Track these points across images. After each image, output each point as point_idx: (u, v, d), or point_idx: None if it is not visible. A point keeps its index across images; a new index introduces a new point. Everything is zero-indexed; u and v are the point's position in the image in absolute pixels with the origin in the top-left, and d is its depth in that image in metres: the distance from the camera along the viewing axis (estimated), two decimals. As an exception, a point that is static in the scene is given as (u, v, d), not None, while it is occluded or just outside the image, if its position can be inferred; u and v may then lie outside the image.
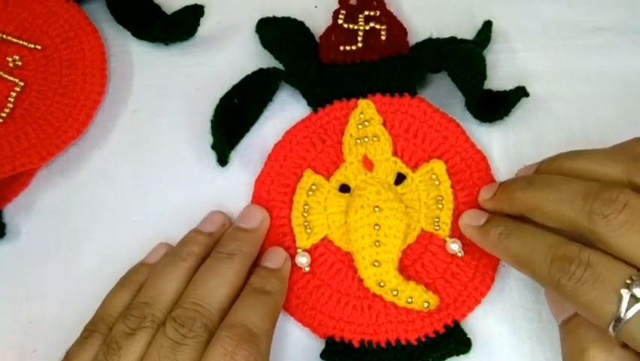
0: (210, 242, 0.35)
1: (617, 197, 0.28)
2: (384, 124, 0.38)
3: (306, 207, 0.37)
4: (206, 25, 0.42)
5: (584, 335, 0.29)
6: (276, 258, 0.35)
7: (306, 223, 0.36)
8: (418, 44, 0.40)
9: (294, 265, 0.36)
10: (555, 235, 0.30)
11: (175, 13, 0.41)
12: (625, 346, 0.28)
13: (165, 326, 0.31)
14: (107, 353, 0.30)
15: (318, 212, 0.37)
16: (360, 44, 0.40)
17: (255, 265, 0.35)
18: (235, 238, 0.35)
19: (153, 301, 0.32)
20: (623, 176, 0.30)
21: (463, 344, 0.34)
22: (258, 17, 0.42)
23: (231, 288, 0.33)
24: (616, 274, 0.27)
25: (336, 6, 0.41)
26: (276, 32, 0.40)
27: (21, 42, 0.41)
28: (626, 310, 0.26)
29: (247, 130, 0.40)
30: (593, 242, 0.28)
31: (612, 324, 0.27)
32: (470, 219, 0.34)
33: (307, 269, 0.36)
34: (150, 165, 0.40)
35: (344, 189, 0.37)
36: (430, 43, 0.39)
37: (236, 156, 0.39)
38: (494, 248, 0.33)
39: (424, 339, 0.34)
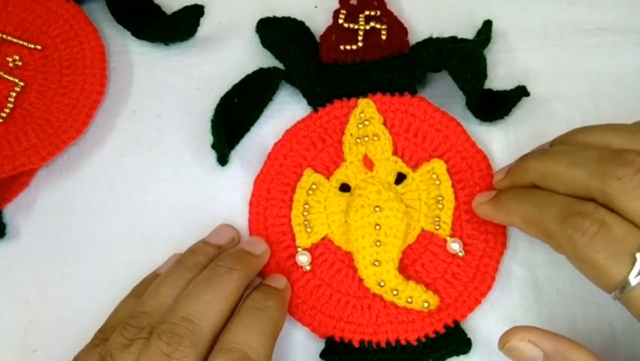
0: (217, 255, 0.34)
1: (632, 160, 0.27)
2: (384, 123, 0.38)
3: (306, 206, 0.37)
4: (206, 25, 0.42)
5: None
6: (278, 280, 0.35)
7: (306, 223, 0.36)
8: (418, 44, 0.40)
9: (294, 264, 0.36)
10: (567, 196, 0.29)
11: (175, 13, 0.41)
12: None
13: (151, 341, 0.29)
14: None
15: (318, 211, 0.36)
16: (360, 44, 0.40)
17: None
18: (237, 256, 0.34)
19: (153, 312, 0.31)
20: (639, 147, 0.29)
21: (464, 344, 0.34)
22: (258, 17, 0.42)
23: (226, 305, 0.31)
24: (631, 237, 0.27)
25: (337, 6, 0.41)
26: (276, 32, 0.40)
27: (21, 42, 0.41)
28: (637, 275, 0.26)
29: (247, 130, 0.40)
30: (604, 205, 0.28)
31: (619, 287, 0.26)
32: (482, 198, 0.34)
33: (308, 268, 0.36)
34: (150, 165, 0.40)
35: (344, 188, 0.37)
36: (431, 43, 0.39)
37: (236, 155, 0.39)
38: (505, 213, 0.32)
39: (424, 339, 0.34)
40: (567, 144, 0.32)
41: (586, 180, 0.28)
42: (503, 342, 0.29)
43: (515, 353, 0.29)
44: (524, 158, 0.33)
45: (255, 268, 0.35)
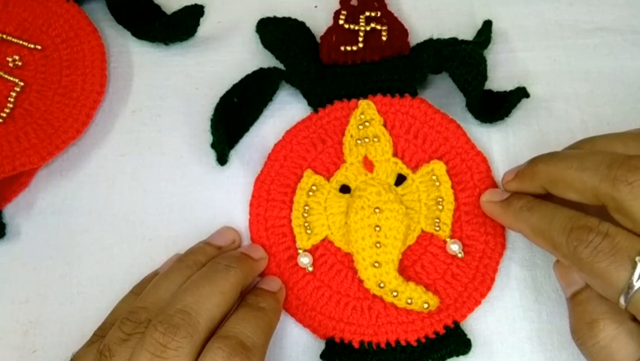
0: (217, 255, 0.35)
1: None
2: (384, 125, 0.38)
3: (307, 207, 0.37)
4: (206, 25, 0.42)
5: (594, 308, 0.29)
6: (272, 283, 0.35)
7: (306, 224, 0.36)
8: (418, 45, 0.40)
9: (294, 265, 0.36)
10: (574, 210, 0.30)
11: (175, 13, 0.41)
12: (635, 320, 0.28)
13: (147, 332, 0.29)
14: (99, 360, 0.29)
15: (318, 213, 0.37)
16: (360, 45, 0.40)
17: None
18: (236, 257, 0.34)
19: (151, 306, 0.31)
20: None
21: (463, 344, 0.34)
22: (258, 17, 0.42)
23: (223, 299, 0.31)
24: (632, 244, 0.27)
25: (337, 6, 0.41)
26: (276, 32, 0.40)
27: (21, 42, 0.41)
28: (638, 278, 0.27)
29: (247, 130, 0.40)
30: (613, 210, 0.29)
31: (623, 294, 0.27)
32: (492, 196, 0.35)
33: (311, 269, 0.36)
34: (150, 164, 0.40)
35: (344, 189, 0.37)
36: (431, 44, 0.39)
37: (236, 155, 0.39)
38: (515, 220, 0.33)
39: (423, 340, 0.34)
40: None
41: (596, 185, 0.29)
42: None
43: (563, 271, 0.31)
44: (534, 161, 0.33)
45: (253, 271, 0.35)
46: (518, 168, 0.34)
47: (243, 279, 0.33)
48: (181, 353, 0.28)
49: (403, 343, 0.34)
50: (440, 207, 0.36)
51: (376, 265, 0.35)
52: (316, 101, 0.39)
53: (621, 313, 0.28)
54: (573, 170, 0.30)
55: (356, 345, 0.34)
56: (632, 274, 0.27)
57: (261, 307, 0.32)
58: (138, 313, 0.31)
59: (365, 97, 0.38)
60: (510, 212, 0.33)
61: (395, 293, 0.34)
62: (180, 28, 0.41)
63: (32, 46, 0.41)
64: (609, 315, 0.29)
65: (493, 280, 0.35)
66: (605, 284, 0.28)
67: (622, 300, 0.27)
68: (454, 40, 0.39)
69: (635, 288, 0.27)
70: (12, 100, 0.40)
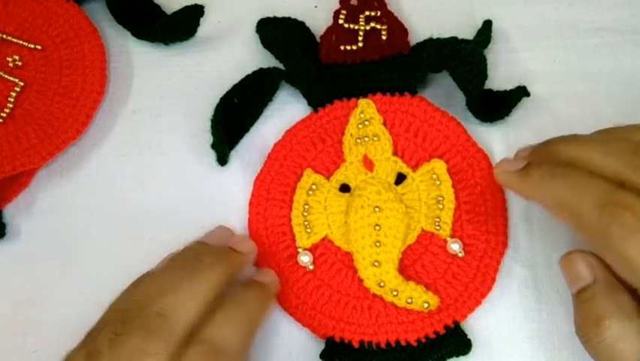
0: None
1: None
2: (384, 123, 0.38)
3: (306, 206, 0.37)
4: (206, 25, 0.42)
5: (601, 305, 0.28)
6: (265, 275, 0.34)
7: (306, 223, 0.36)
8: (418, 44, 0.40)
9: (294, 264, 0.36)
10: (606, 182, 0.28)
11: (175, 13, 0.41)
12: None
13: (125, 338, 0.28)
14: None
15: (318, 212, 0.36)
16: (360, 44, 0.40)
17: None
18: (222, 253, 0.33)
19: (135, 306, 0.30)
20: None
21: (464, 344, 0.34)
22: (258, 17, 0.42)
23: (204, 298, 0.30)
24: None
25: (337, 6, 0.41)
26: (276, 32, 0.40)
27: (21, 42, 0.41)
28: None
29: (247, 130, 0.40)
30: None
31: None
32: (508, 166, 0.33)
33: (311, 267, 0.36)
34: (150, 164, 0.40)
35: (344, 188, 0.37)
36: (431, 44, 0.39)
37: (236, 155, 0.39)
38: (535, 190, 0.31)
39: (424, 340, 0.34)
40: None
41: (621, 170, 0.28)
42: (567, 254, 0.30)
43: (570, 266, 0.30)
44: (552, 141, 0.32)
45: (239, 265, 0.34)
46: (532, 148, 0.33)
47: (227, 276, 0.32)
48: (159, 359, 0.28)
49: (403, 343, 0.34)
50: (440, 206, 0.36)
51: (376, 264, 0.34)
52: (316, 101, 0.39)
53: (629, 312, 0.28)
54: (597, 153, 0.29)
55: (356, 345, 0.34)
56: None
57: (246, 297, 0.31)
58: (123, 313, 0.30)
59: (365, 96, 0.38)
60: (529, 182, 0.31)
61: (395, 293, 0.34)
62: (180, 28, 0.41)
63: (32, 46, 0.41)
64: (616, 313, 0.28)
65: (493, 279, 0.35)
66: (632, 271, 0.27)
67: None
68: (454, 40, 0.39)
69: None
70: (12, 100, 0.40)
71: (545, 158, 0.31)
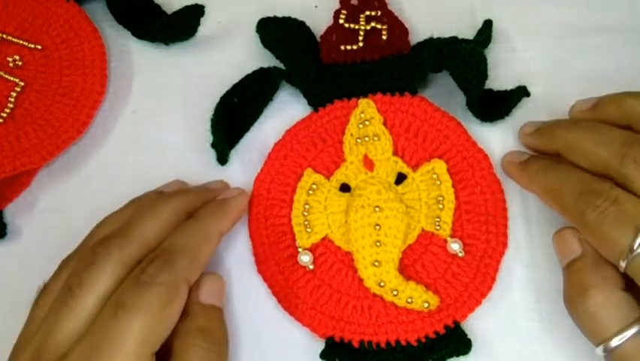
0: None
1: None
2: (384, 123, 0.38)
3: (307, 206, 0.37)
4: (206, 25, 0.42)
5: (586, 276, 0.30)
6: (228, 192, 0.36)
7: (306, 223, 0.36)
8: (419, 44, 0.40)
9: (294, 263, 0.36)
10: (589, 174, 0.32)
11: (175, 13, 0.41)
12: (625, 290, 0.30)
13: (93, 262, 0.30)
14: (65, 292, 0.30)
15: (318, 211, 0.36)
16: (361, 44, 0.40)
17: None
18: (183, 188, 0.37)
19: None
20: None
21: (464, 344, 0.34)
22: (259, 17, 0.42)
23: (167, 223, 0.32)
24: (639, 212, 0.29)
25: (337, 6, 0.41)
26: (276, 32, 0.40)
27: (21, 42, 0.41)
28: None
29: (247, 129, 0.40)
30: (620, 185, 0.30)
31: (624, 257, 0.29)
32: (513, 157, 0.37)
33: (311, 267, 0.36)
34: (150, 164, 0.40)
35: (344, 188, 0.37)
36: (431, 43, 0.39)
37: (236, 155, 0.39)
38: (530, 181, 0.35)
39: (424, 340, 0.34)
40: (611, 106, 0.34)
41: (607, 159, 0.31)
42: (559, 230, 0.33)
43: (561, 241, 0.33)
44: (556, 124, 0.35)
45: (199, 197, 0.35)
46: (537, 125, 0.36)
47: (189, 203, 0.34)
48: (110, 259, 0.30)
49: (403, 343, 0.34)
50: (441, 206, 0.36)
51: (376, 263, 0.34)
52: (316, 101, 0.39)
53: (613, 283, 0.30)
54: (590, 142, 0.32)
55: (356, 344, 0.34)
56: (635, 239, 0.28)
57: (201, 214, 0.33)
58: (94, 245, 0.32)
59: (365, 96, 0.38)
60: (526, 173, 0.35)
61: (395, 292, 0.34)
62: (180, 28, 0.41)
63: (32, 46, 0.41)
64: (601, 284, 0.30)
65: (494, 279, 0.35)
66: (607, 246, 0.30)
67: (622, 263, 0.29)
68: (454, 40, 0.39)
69: (636, 253, 0.28)
70: (12, 100, 0.40)
71: (545, 140, 0.35)
